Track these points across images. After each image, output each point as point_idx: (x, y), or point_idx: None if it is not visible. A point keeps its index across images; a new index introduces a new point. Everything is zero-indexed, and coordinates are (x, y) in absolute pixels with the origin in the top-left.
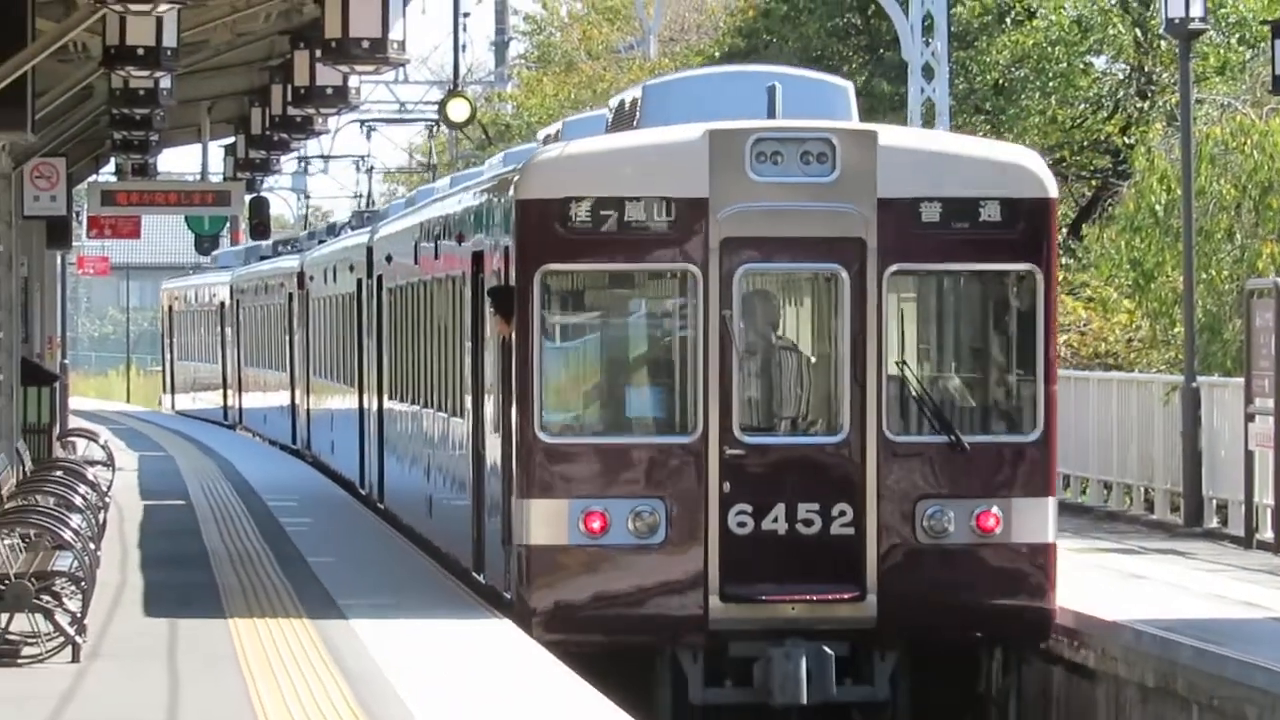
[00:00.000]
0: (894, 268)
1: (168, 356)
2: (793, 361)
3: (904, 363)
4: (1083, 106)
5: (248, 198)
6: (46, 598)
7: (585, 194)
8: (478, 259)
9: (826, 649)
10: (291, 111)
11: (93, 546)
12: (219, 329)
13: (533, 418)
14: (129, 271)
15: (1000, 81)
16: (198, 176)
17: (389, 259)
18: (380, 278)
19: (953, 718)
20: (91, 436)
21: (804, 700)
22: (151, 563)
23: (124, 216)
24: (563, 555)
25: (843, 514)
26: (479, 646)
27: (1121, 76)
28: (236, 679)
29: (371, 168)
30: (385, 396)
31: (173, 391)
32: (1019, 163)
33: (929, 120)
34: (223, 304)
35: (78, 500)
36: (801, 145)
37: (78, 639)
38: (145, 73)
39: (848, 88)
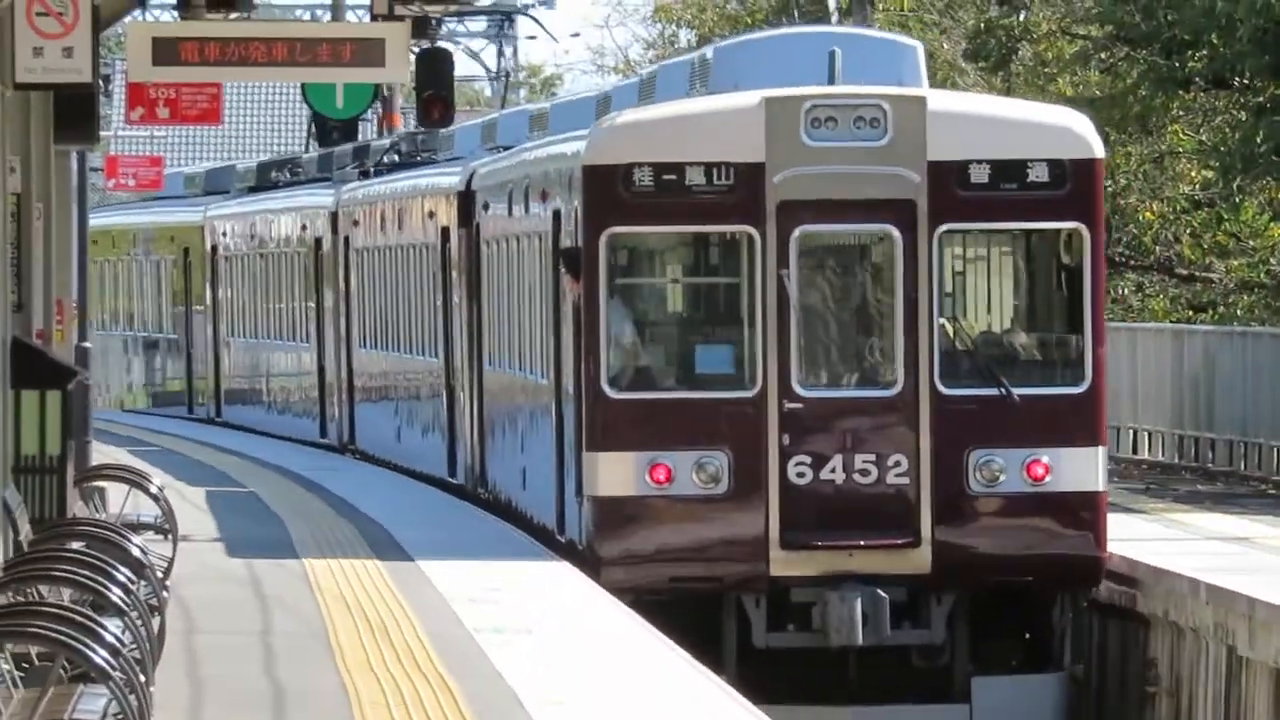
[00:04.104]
0: (944, 228)
1: None
2: (848, 318)
3: (955, 318)
4: None
5: (415, 51)
6: None
7: (648, 159)
8: (556, 217)
9: (881, 592)
10: None
11: (142, 677)
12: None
13: (599, 374)
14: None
15: None
16: (323, 16)
17: (487, 207)
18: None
19: (1011, 658)
20: (136, 480)
21: (859, 641)
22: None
23: (192, 85)
24: (630, 505)
25: (898, 464)
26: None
27: None
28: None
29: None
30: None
31: None
32: (1066, 125)
33: None
34: (186, 249)
35: (114, 595)
36: (854, 111)
37: None
38: None
39: (916, 47)
